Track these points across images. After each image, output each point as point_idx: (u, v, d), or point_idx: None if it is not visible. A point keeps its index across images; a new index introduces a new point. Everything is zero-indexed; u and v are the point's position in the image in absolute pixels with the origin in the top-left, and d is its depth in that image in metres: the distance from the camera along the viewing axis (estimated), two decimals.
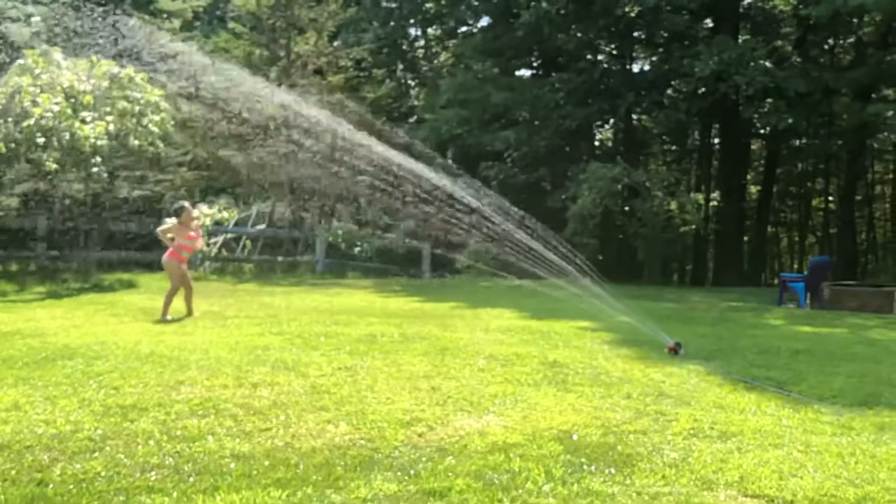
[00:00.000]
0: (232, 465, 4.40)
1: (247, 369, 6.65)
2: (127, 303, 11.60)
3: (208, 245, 19.81)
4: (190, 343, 7.85)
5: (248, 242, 22.84)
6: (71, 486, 4.09)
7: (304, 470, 4.35)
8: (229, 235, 21.87)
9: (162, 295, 10.77)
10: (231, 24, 27.15)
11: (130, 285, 14.26)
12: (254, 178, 24.54)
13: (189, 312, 10.38)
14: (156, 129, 14.41)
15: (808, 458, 4.87)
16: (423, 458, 4.58)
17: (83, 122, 13.13)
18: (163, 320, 9.90)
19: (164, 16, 26.10)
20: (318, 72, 26.20)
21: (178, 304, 10.42)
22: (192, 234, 10.63)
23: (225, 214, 19.97)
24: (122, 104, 13.86)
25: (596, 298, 9.50)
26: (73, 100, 13.33)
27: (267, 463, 4.45)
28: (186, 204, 10.89)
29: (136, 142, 14.16)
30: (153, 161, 17.01)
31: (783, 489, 4.29)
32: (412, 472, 4.36)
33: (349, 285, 17.28)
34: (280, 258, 22.16)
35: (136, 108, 14.06)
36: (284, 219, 24.45)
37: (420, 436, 5.04)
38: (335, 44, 28.08)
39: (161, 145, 15.28)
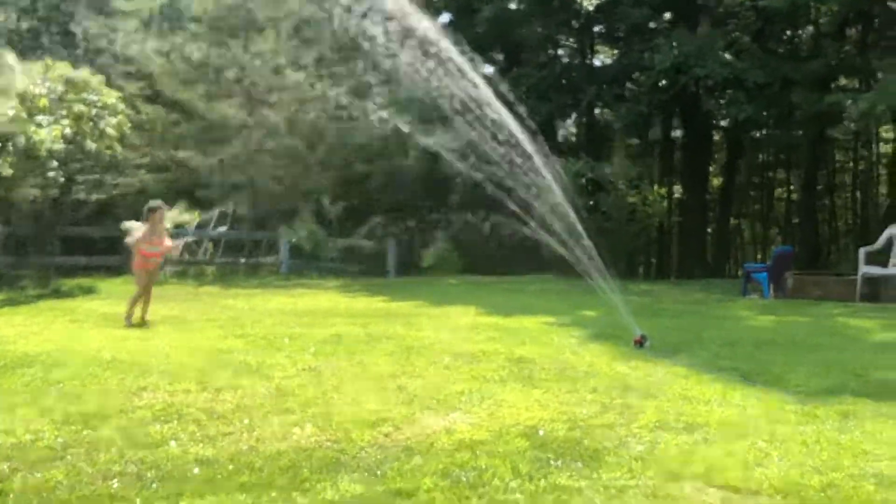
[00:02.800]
0: (196, 471, 4.35)
1: (210, 373, 6.57)
2: (87, 309, 11.42)
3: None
4: (152, 348, 7.76)
5: (210, 245, 22.67)
6: (32, 496, 4.03)
7: (270, 473, 4.31)
8: (190, 238, 21.70)
9: (123, 300, 10.62)
10: (189, 25, 26.86)
11: (90, 291, 14.05)
12: (215, 180, 24.38)
13: (141, 319, 10.07)
14: (113, 132, 14.23)
15: (774, 448, 4.92)
16: (390, 458, 4.56)
17: (39, 126, 12.94)
18: (127, 325, 9.77)
19: (121, 17, 25.77)
20: (279, 71, 26.03)
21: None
22: (157, 238, 10.34)
23: (186, 217, 19.85)
24: (79, 107, 13.67)
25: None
26: (27, 104, 13.13)
27: (231, 467, 4.40)
28: (161, 203, 10.48)
29: (94, 145, 13.97)
30: (111, 164, 16.81)
31: (749, 479, 4.33)
32: (379, 472, 4.34)
33: (314, 286, 17.19)
34: (243, 260, 22.03)
35: (93, 111, 13.87)
36: (247, 220, 24.32)
37: (386, 436, 5.01)
38: (295, 42, 27.90)
39: (119, 148, 15.10)
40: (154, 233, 10.18)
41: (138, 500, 3.98)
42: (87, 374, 6.46)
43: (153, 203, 10.32)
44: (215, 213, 23.04)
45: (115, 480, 4.23)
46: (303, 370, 6.81)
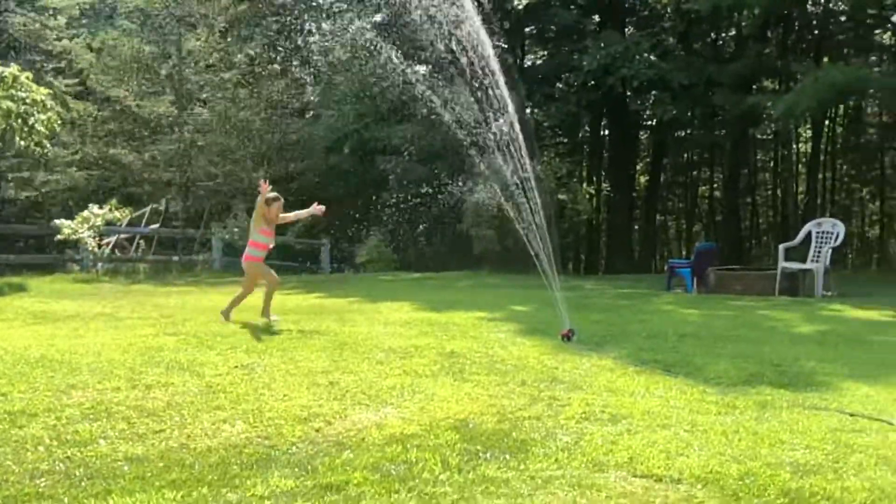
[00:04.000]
0: (125, 468, 4.34)
1: (140, 371, 6.53)
2: (16, 307, 11.18)
3: (100, 246, 19.36)
4: (81, 346, 7.65)
5: (143, 242, 22.40)
6: None
7: (200, 470, 4.31)
8: (122, 235, 21.42)
9: (54, 298, 10.40)
10: (120, 21, 26.45)
11: (20, 289, 13.73)
12: (147, 178, 24.08)
13: (225, 314, 9.71)
14: (43, 129, 13.95)
15: (694, 438, 5.07)
16: (321, 454, 4.60)
17: None
18: (271, 320, 9.56)
19: (50, 12, 25.23)
20: (211, 68, 25.78)
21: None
22: (269, 230, 9.79)
23: (117, 214, 19.59)
24: (7, 104, 13.36)
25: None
26: None
27: (161, 464, 4.40)
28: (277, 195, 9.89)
29: (23, 142, 13.69)
30: (40, 162, 16.47)
31: (670, 468, 4.46)
32: (309, 467, 4.37)
33: None
34: (175, 258, 21.78)
35: (22, 108, 13.58)
36: (179, 217, 24.07)
37: (318, 431, 5.05)
38: (228, 39, 27.65)
39: (48, 145, 14.81)
40: (270, 225, 9.76)
41: (66, 499, 3.95)
42: (15, 373, 6.36)
43: (271, 194, 9.73)
44: (147, 210, 22.75)
45: (43, 479, 4.20)
46: (234, 367, 6.80)
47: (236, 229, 21.86)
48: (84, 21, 27.25)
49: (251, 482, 4.15)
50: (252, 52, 27.81)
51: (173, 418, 5.27)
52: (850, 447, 4.94)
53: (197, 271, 20.41)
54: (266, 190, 9.60)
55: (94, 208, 18.42)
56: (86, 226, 17.66)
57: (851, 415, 5.78)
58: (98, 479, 4.18)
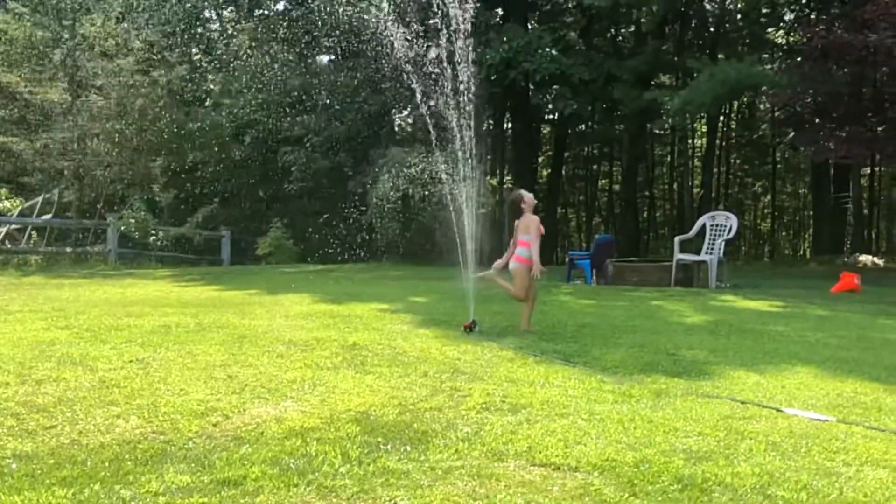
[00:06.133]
0: (13, 466, 4.19)
1: (30, 366, 6.32)
2: None
3: None
4: None
5: (34, 233, 21.74)
6: None
7: (92, 467, 4.20)
8: (13, 226, 20.74)
9: None
10: (11, 4, 25.50)
11: None
12: (39, 166, 23.31)
13: (526, 325, 9.12)
14: None
15: (592, 426, 5.15)
16: (218, 448, 4.52)
17: None
18: (529, 330, 9.03)
19: None
20: (107, 54, 25.03)
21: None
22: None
23: (7, 204, 18.94)
24: None
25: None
26: None
27: (52, 461, 4.27)
28: (523, 192, 9.33)
29: None
30: None
31: (568, 456, 4.52)
32: (206, 462, 4.29)
33: (144, 276, 16.68)
34: (69, 249, 21.16)
35: None
36: (73, 208, 23.39)
37: (215, 426, 4.97)
38: (124, 25, 26.87)
39: None
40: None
41: None
42: None
43: (517, 192, 9.30)
44: (39, 200, 22.05)
45: None
46: (129, 361, 6.63)
47: (132, 220, 21.35)
48: None
49: (145, 478, 4.05)
50: (150, 38, 27.10)
51: (65, 414, 5.11)
52: (741, 434, 5.10)
53: (91, 263, 19.86)
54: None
55: None
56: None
57: (742, 402, 5.97)
58: None
